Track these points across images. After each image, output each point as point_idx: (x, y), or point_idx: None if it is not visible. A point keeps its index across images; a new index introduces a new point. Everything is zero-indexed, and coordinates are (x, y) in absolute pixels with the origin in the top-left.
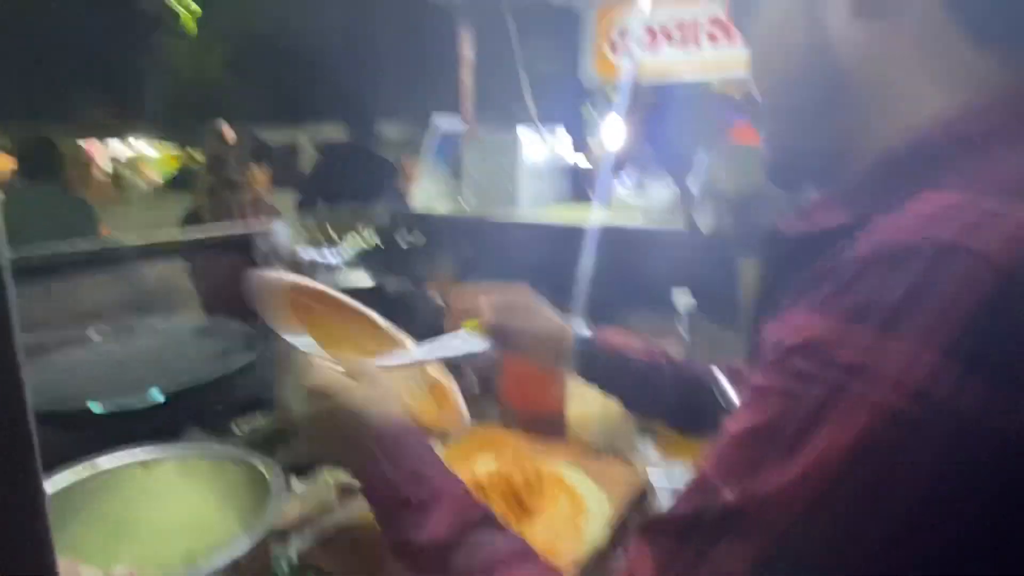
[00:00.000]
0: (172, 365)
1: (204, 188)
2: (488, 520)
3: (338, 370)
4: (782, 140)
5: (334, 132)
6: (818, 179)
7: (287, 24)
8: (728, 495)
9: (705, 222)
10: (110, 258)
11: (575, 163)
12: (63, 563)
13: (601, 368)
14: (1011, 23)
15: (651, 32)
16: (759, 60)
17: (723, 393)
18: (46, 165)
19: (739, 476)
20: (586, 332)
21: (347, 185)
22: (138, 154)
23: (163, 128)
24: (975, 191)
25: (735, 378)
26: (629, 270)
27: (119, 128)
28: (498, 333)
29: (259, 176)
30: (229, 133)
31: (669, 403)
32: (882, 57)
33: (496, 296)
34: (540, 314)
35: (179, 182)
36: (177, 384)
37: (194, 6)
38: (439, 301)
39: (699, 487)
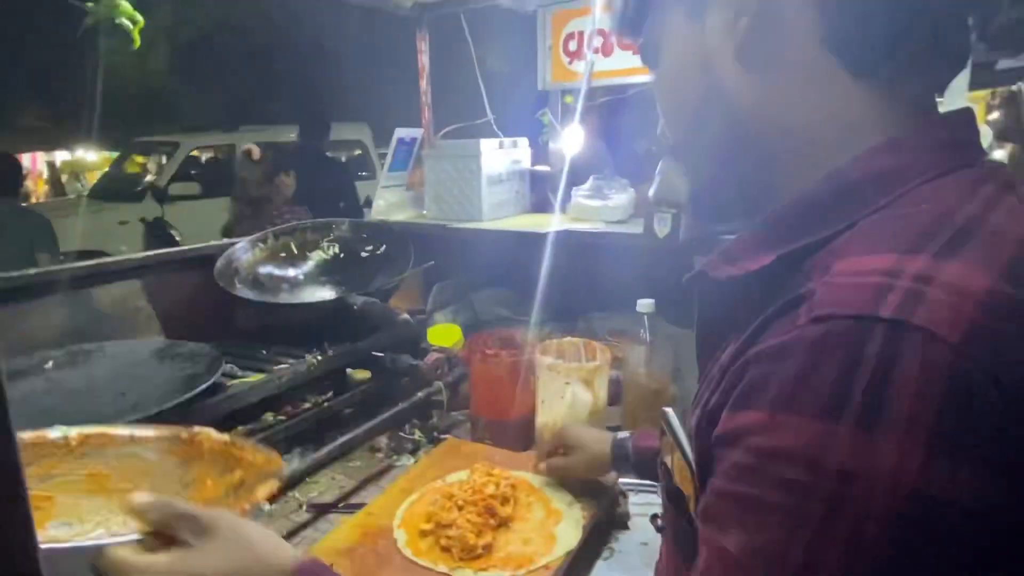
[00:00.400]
0: (132, 390)
1: (233, 211)
2: None
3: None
4: (697, 179)
5: (288, 135)
6: (738, 215)
7: (235, 26)
8: None
9: (661, 227)
10: (63, 281)
11: (536, 171)
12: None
13: (635, 464)
14: (892, 58)
15: (603, 35)
16: (664, 105)
17: (675, 434)
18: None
19: None
20: (625, 442)
21: (299, 187)
22: (77, 161)
23: (104, 135)
24: (898, 248)
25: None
26: (591, 274)
27: (58, 137)
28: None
29: (286, 182)
30: (255, 151)
31: None
32: (774, 100)
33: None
34: (586, 446)
35: (111, 192)
36: (139, 412)
37: (138, 16)
38: (403, 315)
39: None
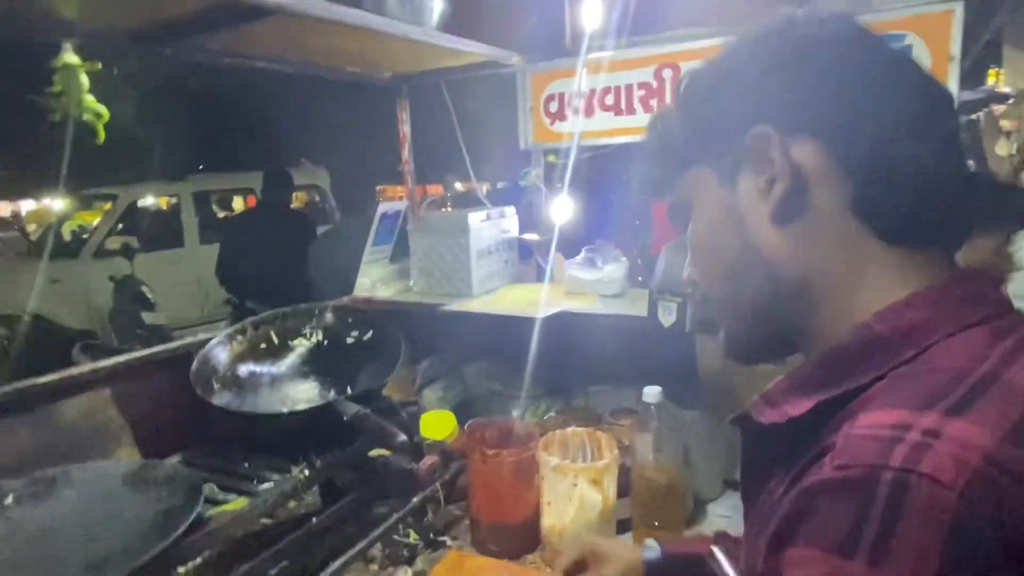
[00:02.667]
0: (102, 534)
1: None
2: None
3: None
4: (730, 326)
5: (237, 182)
6: (768, 357)
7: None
8: None
9: (666, 317)
10: (25, 398)
11: (525, 240)
12: None
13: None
14: (913, 225)
15: (586, 97)
16: (698, 259)
17: (724, 573)
18: None
19: None
20: (655, 550)
21: (262, 245)
22: (45, 211)
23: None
24: (912, 405)
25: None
26: (588, 349)
27: (23, 187)
28: None
29: None
30: None
31: None
32: (806, 260)
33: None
34: (615, 558)
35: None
36: (114, 568)
37: (102, 109)
38: (401, 436)
39: None
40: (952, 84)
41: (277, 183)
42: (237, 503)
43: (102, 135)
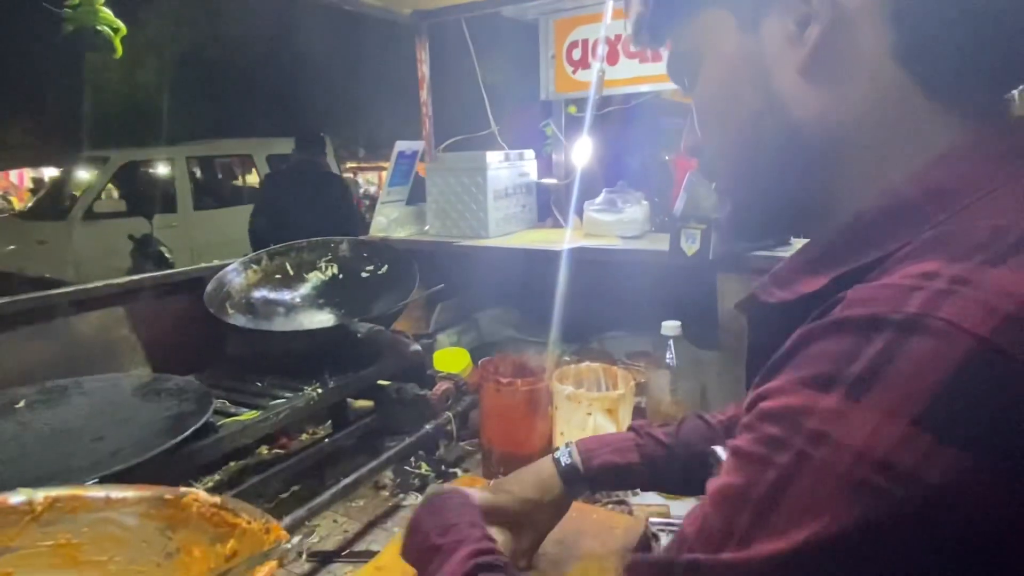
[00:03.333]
0: (111, 435)
1: None
2: (497, 565)
3: None
4: (744, 195)
5: (284, 147)
6: (785, 231)
7: (224, 38)
8: (698, 553)
9: (689, 245)
10: (39, 310)
11: (543, 184)
12: None
13: (602, 486)
14: (962, 72)
15: (610, 43)
16: (708, 120)
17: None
18: None
19: (708, 537)
20: (566, 457)
21: (298, 205)
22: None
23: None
24: (946, 256)
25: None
26: (606, 292)
27: (46, 154)
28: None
29: None
30: None
31: (676, 480)
32: (839, 115)
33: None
34: (519, 479)
35: (39, 211)
36: (118, 461)
37: (119, 23)
38: (414, 345)
39: (677, 539)
40: None
41: (311, 145)
42: (248, 415)
43: (119, 49)
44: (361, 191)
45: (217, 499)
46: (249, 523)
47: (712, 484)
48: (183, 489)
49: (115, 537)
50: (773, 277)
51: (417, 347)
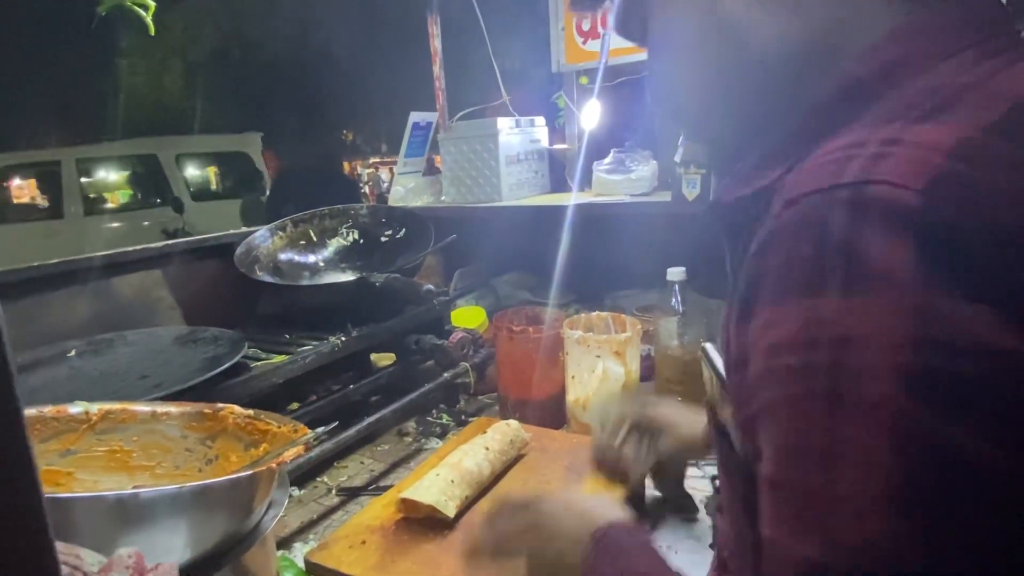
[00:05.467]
0: (155, 373)
1: None
2: None
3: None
4: (709, 130)
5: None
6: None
7: (244, 31)
8: (806, 548)
9: (690, 190)
10: (82, 272)
11: (554, 151)
12: (62, 546)
13: None
14: None
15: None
16: (666, 66)
17: (714, 366)
18: None
19: (794, 513)
20: None
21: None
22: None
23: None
24: (874, 123)
25: None
26: (616, 250)
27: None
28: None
29: None
30: None
31: None
32: (800, 32)
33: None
34: (677, 425)
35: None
36: (161, 391)
37: (150, 1)
38: (427, 285)
39: (771, 556)
40: None
41: (321, 138)
42: (278, 358)
43: (152, 27)
44: (384, 186)
45: (250, 412)
46: (279, 427)
47: (764, 454)
48: (220, 404)
49: (161, 446)
50: (733, 177)
51: (430, 287)
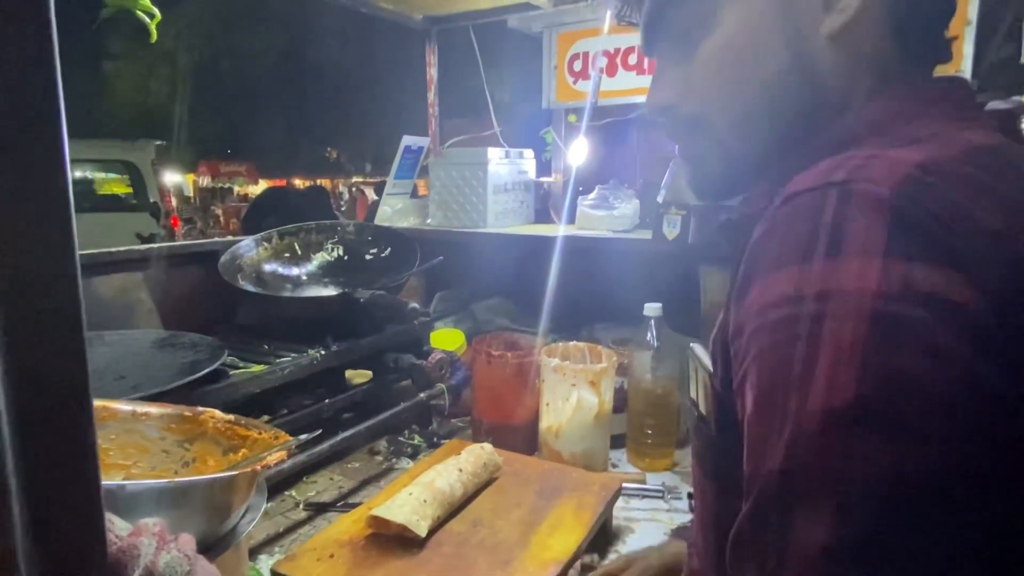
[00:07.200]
0: (132, 375)
1: None
2: None
3: None
4: (741, 144)
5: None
6: (747, 186)
7: (237, 47)
8: (775, 465)
9: (670, 229)
10: None
11: (541, 183)
12: None
13: None
14: (936, 44)
15: (609, 56)
16: (718, 77)
17: (700, 361)
18: None
19: (766, 444)
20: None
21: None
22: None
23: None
24: (858, 153)
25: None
26: (595, 283)
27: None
28: None
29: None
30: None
31: None
32: (846, 75)
33: None
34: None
35: None
36: (139, 392)
37: (155, 10)
38: (412, 303)
39: (751, 477)
40: (968, 47)
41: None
42: (257, 367)
43: (155, 35)
44: (370, 203)
45: (231, 417)
46: (260, 434)
47: (748, 399)
48: (200, 408)
49: (139, 446)
50: (744, 202)
51: (414, 305)
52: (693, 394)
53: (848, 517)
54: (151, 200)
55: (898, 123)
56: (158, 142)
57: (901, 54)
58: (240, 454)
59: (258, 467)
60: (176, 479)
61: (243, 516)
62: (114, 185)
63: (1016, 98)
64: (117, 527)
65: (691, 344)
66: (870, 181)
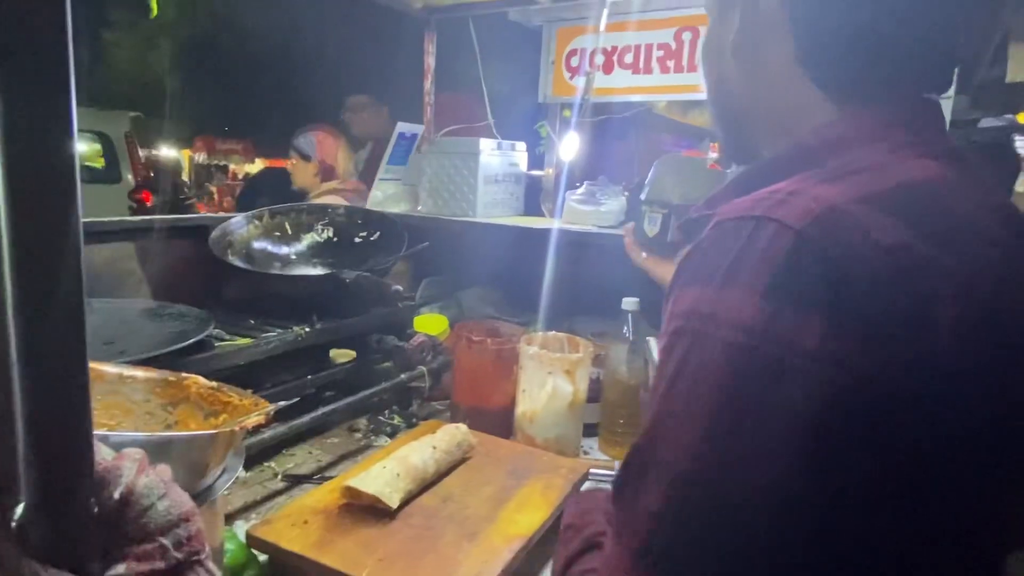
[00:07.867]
0: (120, 341)
1: None
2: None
3: None
4: (722, 139)
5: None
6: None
7: (236, 24)
8: (640, 440)
9: (651, 227)
10: None
11: (532, 176)
12: None
13: None
14: (858, 78)
15: (606, 53)
16: (703, 74)
17: (653, 358)
18: None
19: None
20: None
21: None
22: None
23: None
24: (795, 179)
25: None
26: (578, 277)
27: None
28: None
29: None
30: None
31: None
32: (757, 91)
33: None
34: None
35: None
36: (126, 358)
37: None
38: (396, 286)
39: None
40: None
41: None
42: (243, 340)
43: (155, 9)
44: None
45: (214, 383)
46: (240, 400)
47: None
48: (184, 374)
49: (123, 407)
50: (706, 203)
51: (398, 287)
52: (651, 384)
53: (669, 495)
54: (123, 175)
55: (840, 151)
56: (132, 113)
57: (813, 81)
58: (221, 419)
59: (236, 428)
60: (157, 433)
61: (220, 476)
62: (86, 156)
63: (1009, 116)
64: (103, 452)
65: (647, 338)
66: (780, 221)
